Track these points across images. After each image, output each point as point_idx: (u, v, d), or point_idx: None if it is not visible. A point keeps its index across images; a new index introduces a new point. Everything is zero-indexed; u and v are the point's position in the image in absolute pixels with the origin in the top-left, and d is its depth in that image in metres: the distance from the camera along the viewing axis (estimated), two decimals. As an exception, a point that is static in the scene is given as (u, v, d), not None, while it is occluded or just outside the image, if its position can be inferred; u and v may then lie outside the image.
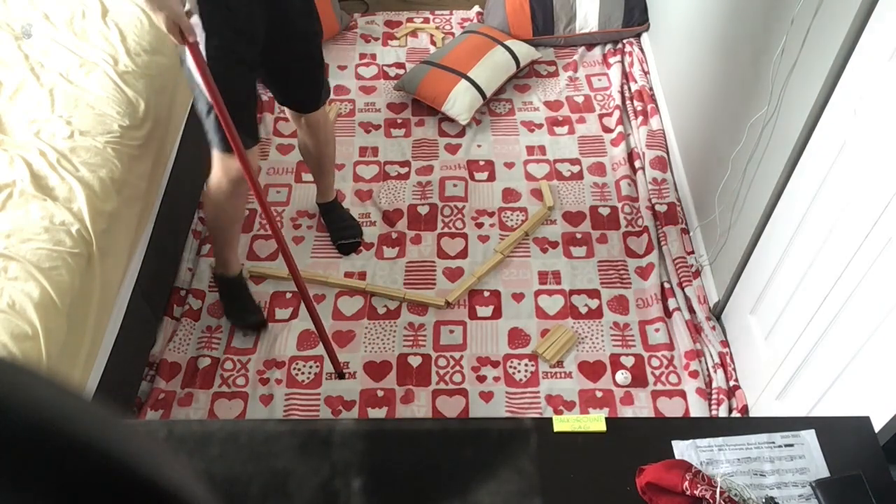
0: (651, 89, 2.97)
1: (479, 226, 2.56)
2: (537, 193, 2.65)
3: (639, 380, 2.13)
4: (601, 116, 2.93)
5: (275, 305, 2.33)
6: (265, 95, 2.97)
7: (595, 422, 1.11)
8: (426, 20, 3.40)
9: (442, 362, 2.18)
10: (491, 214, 2.59)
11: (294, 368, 2.17)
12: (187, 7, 1.63)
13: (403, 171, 2.74)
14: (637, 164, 2.73)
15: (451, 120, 2.87)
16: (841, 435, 1.10)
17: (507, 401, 2.10)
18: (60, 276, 1.65)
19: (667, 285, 2.36)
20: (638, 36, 3.22)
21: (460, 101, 2.81)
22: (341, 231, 2.50)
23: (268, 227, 2.51)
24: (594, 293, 2.35)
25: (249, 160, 1.82)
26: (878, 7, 1.37)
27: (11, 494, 0.29)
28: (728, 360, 2.12)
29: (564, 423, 1.10)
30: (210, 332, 2.24)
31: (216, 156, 1.90)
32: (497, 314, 2.30)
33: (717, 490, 0.99)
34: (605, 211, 2.60)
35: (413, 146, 2.83)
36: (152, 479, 0.35)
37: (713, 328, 2.21)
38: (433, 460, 1.07)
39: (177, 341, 2.21)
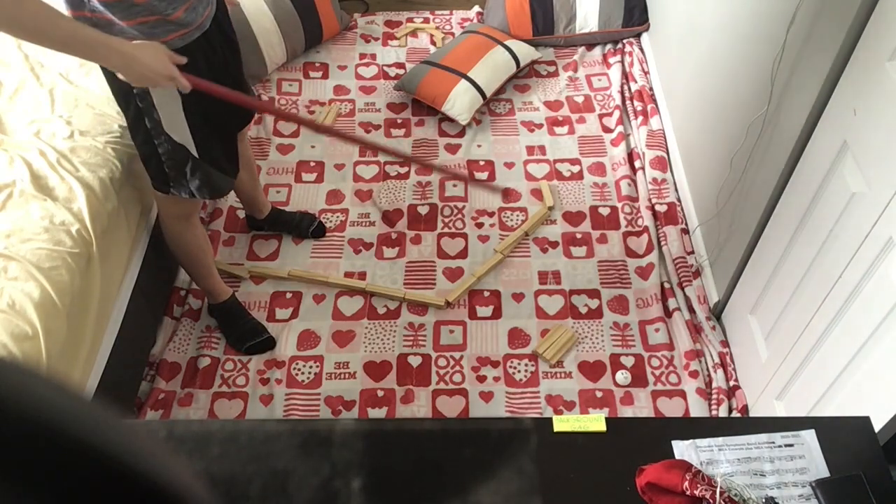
0: (651, 89, 2.97)
1: (479, 226, 2.56)
2: (537, 193, 2.65)
3: (639, 380, 2.13)
4: (601, 116, 2.93)
5: (275, 305, 2.33)
6: (265, 95, 2.97)
7: (595, 422, 1.11)
8: (426, 20, 3.40)
9: (442, 362, 2.18)
10: (491, 214, 2.59)
11: (294, 368, 2.17)
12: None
13: (403, 171, 2.73)
14: (637, 164, 2.73)
15: (451, 120, 2.87)
16: (841, 435, 1.10)
17: (507, 401, 2.10)
18: (60, 276, 1.65)
19: (667, 285, 2.36)
20: (638, 36, 3.22)
21: (460, 101, 2.81)
22: (301, 224, 2.49)
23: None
24: (594, 293, 2.35)
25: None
26: (878, 7, 1.37)
27: (11, 495, 0.29)
28: (728, 360, 2.12)
29: (564, 423, 1.10)
30: (210, 332, 2.24)
31: (180, 200, 1.85)
32: (497, 314, 2.30)
33: (717, 490, 0.99)
34: (605, 211, 2.60)
35: (413, 146, 2.83)
36: (152, 479, 0.35)
37: (713, 328, 2.21)
38: (433, 460, 1.07)
39: (177, 341, 2.21)
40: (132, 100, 1.62)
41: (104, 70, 1.59)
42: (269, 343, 2.21)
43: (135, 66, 1.44)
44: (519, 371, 2.16)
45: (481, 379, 2.14)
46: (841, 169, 1.48)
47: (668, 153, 2.74)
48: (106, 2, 1.43)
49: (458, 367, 2.17)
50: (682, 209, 2.57)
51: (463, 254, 2.47)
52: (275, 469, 1.04)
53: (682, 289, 2.34)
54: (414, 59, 3.17)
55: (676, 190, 2.63)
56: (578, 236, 2.52)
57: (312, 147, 2.82)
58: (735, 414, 2.00)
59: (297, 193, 2.66)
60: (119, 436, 0.35)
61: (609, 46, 3.21)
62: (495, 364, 2.18)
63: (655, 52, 3.03)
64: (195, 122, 1.68)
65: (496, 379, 2.14)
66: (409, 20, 3.40)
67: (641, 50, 3.16)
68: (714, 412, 2.02)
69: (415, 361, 2.19)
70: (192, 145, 1.72)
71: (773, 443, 1.08)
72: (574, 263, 2.43)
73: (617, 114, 2.90)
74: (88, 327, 1.74)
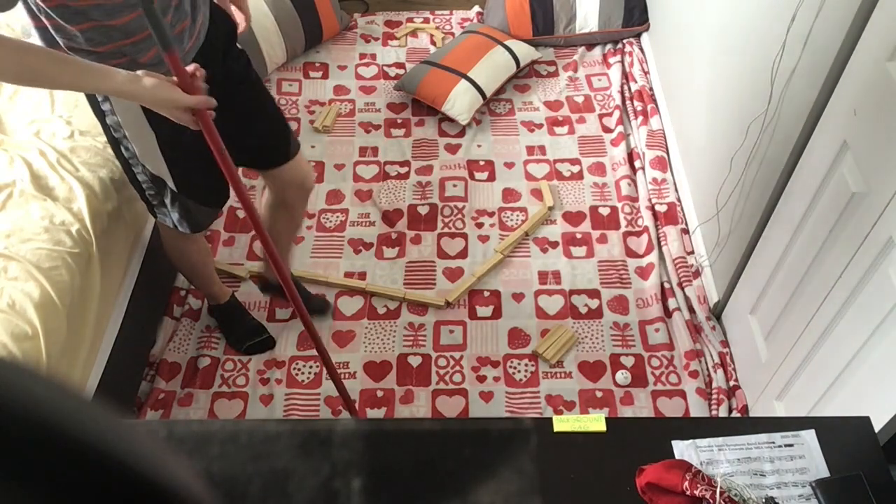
0: (651, 89, 2.97)
1: (479, 226, 2.56)
2: (537, 193, 2.65)
3: (639, 380, 2.13)
4: (601, 116, 2.93)
5: (275, 305, 2.33)
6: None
7: (595, 422, 1.11)
8: (426, 20, 3.40)
9: (442, 362, 2.18)
10: (491, 214, 2.59)
11: (294, 368, 2.17)
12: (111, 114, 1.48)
13: (403, 171, 2.74)
14: (637, 164, 2.73)
15: (451, 120, 2.87)
16: (841, 435, 1.10)
17: (507, 401, 2.10)
18: (60, 276, 1.65)
19: (667, 285, 2.36)
20: (638, 36, 3.22)
21: (460, 101, 2.81)
22: (310, 301, 2.25)
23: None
24: (594, 293, 2.35)
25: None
26: (878, 7, 1.36)
27: (11, 494, 0.29)
28: (728, 360, 2.12)
29: (564, 423, 1.10)
30: (210, 332, 2.24)
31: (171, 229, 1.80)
32: (497, 314, 2.30)
33: (717, 490, 0.98)
34: (605, 211, 2.60)
35: (413, 146, 2.83)
36: (152, 479, 0.35)
37: (713, 328, 2.21)
38: (433, 460, 1.07)
39: (177, 341, 2.21)
40: (108, 130, 1.56)
41: (86, 95, 1.52)
42: (269, 343, 2.21)
43: (143, 104, 1.37)
44: (519, 371, 2.16)
45: (481, 379, 2.14)
46: (841, 169, 1.48)
47: (668, 153, 2.74)
48: (72, 48, 1.37)
49: (458, 367, 2.17)
50: (682, 209, 2.57)
51: (463, 254, 2.47)
52: (275, 469, 1.04)
53: (682, 289, 2.34)
54: (414, 59, 3.17)
55: (676, 190, 2.63)
56: (578, 236, 2.52)
57: (312, 147, 2.82)
58: (735, 414, 2.00)
59: (297, 193, 2.66)
60: (119, 436, 0.35)
61: (609, 46, 3.21)
62: (495, 364, 2.18)
63: (655, 52, 3.03)
64: (172, 156, 1.59)
65: (496, 379, 2.14)
66: (409, 20, 3.40)
67: (641, 50, 3.16)
68: (714, 412, 2.02)
69: (415, 361, 2.19)
70: (170, 178, 1.63)
71: (773, 443, 1.08)
72: (574, 263, 2.43)
73: (617, 114, 2.90)
74: (88, 327, 1.74)
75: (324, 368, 2.16)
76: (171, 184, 1.65)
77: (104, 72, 1.29)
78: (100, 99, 1.50)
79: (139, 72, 1.31)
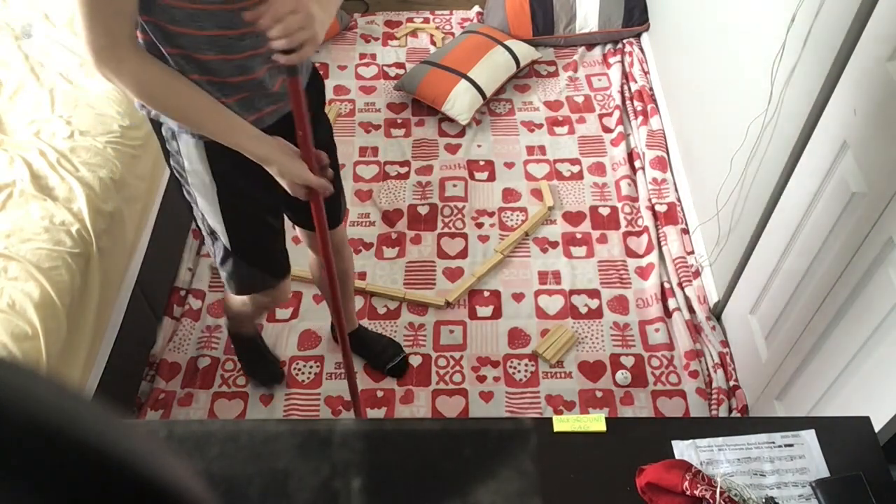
0: (651, 89, 2.97)
1: (479, 226, 2.56)
2: (537, 193, 2.65)
3: (639, 380, 2.13)
4: (601, 116, 2.93)
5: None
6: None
7: (595, 422, 1.11)
8: (426, 20, 3.40)
9: (442, 362, 2.18)
10: (491, 214, 2.59)
11: (294, 368, 2.17)
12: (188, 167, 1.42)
13: (403, 171, 2.74)
14: (637, 164, 2.73)
15: (451, 120, 2.87)
16: (841, 435, 1.10)
17: (507, 401, 2.10)
18: (60, 276, 1.65)
19: (667, 285, 2.36)
20: (638, 36, 3.22)
21: (460, 101, 2.81)
22: (382, 354, 2.18)
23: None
24: (594, 293, 2.35)
25: (275, 294, 1.74)
26: (878, 7, 1.37)
27: (11, 495, 0.29)
28: (728, 360, 2.12)
29: (564, 423, 1.10)
30: (210, 332, 2.24)
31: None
32: (497, 314, 2.30)
33: (717, 490, 0.98)
34: (605, 211, 2.60)
35: (413, 146, 2.83)
36: (152, 479, 0.35)
37: (713, 328, 2.21)
38: (433, 460, 1.07)
39: (177, 341, 2.21)
40: (173, 174, 1.50)
41: (155, 128, 1.43)
42: (279, 377, 2.15)
43: (271, 170, 1.32)
44: (519, 371, 2.16)
45: (481, 379, 2.14)
46: (841, 169, 1.48)
47: (668, 153, 2.74)
48: None
49: (458, 367, 2.17)
50: (682, 209, 2.57)
51: (463, 254, 2.47)
52: (275, 469, 1.04)
53: (682, 289, 2.34)
54: (414, 59, 3.17)
55: (676, 190, 2.63)
56: (578, 236, 2.52)
57: (312, 147, 2.82)
58: (735, 414, 2.00)
59: (297, 193, 2.66)
60: (119, 436, 0.35)
61: (609, 46, 3.21)
62: (495, 364, 2.18)
63: (655, 52, 3.03)
64: (230, 216, 1.52)
65: (496, 379, 2.14)
66: (409, 20, 3.40)
67: (641, 50, 3.16)
68: (714, 412, 2.02)
69: (415, 361, 2.19)
70: (225, 235, 1.56)
71: (773, 443, 1.08)
72: (574, 263, 2.43)
73: (617, 114, 2.90)
74: (88, 327, 1.74)
75: (324, 369, 2.16)
76: (224, 240, 1.57)
77: (244, 128, 1.28)
78: (167, 137, 1.41)
79: (274, 137, 1.30)
